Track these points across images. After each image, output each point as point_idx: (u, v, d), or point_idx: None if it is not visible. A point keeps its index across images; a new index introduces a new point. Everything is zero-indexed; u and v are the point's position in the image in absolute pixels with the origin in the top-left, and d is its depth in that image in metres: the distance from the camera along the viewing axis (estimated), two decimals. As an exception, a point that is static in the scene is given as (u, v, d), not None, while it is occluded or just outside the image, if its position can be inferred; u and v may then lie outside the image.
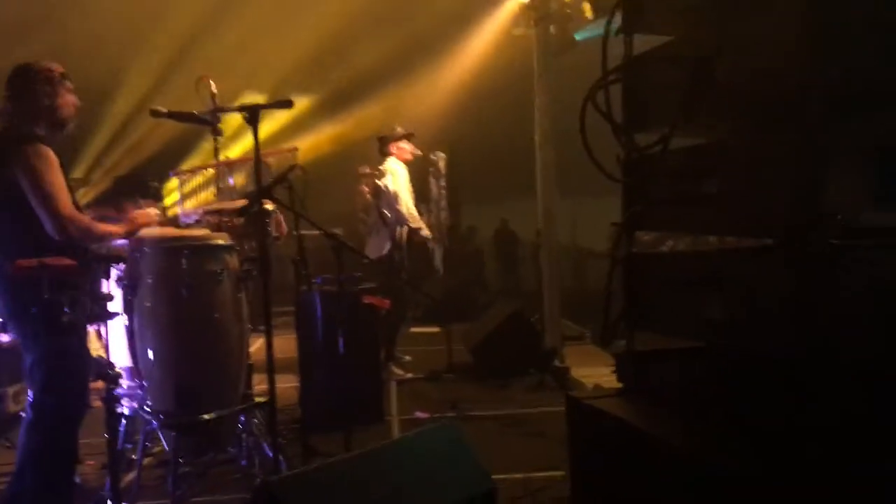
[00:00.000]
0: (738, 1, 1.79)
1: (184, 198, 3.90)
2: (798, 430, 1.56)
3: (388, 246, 6.33)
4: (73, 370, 3.11)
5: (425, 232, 6.39)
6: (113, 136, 8.65)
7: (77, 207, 3.20)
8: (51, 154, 3.11)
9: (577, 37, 7.04)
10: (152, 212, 3.53)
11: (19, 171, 3.04)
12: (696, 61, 1.87)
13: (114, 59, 7.35)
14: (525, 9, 6.94)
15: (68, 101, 3.28)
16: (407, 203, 6.31)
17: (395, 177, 6.32)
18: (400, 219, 6.29)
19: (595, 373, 5.76)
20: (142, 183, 8.03)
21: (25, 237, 3.07)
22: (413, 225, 6.32)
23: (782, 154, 1.69)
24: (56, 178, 3.10)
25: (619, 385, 2.27)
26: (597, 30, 7.10)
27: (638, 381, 2.15)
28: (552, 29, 6.64)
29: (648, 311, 2.19)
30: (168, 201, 4.42)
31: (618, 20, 2.19)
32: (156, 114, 3.64)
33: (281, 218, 4.15)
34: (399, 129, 6.48)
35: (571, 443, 2.14)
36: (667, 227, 2.20)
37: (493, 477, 2.90)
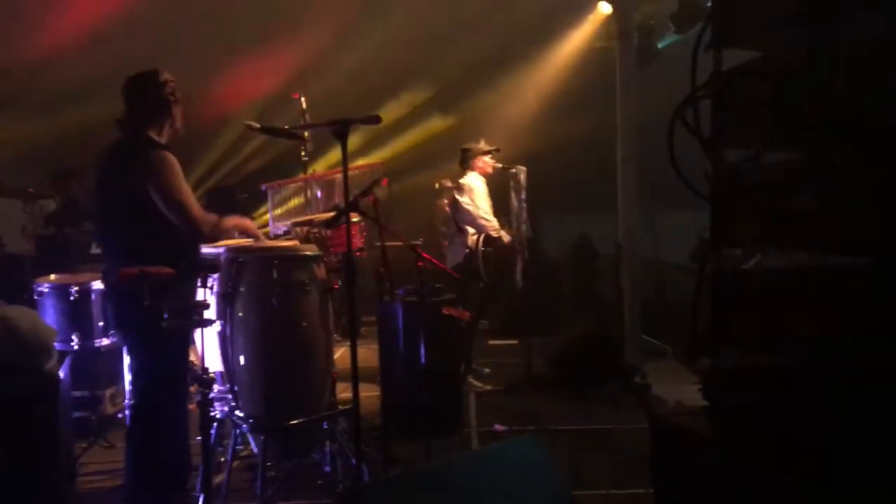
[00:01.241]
0: (835, 14, 1.76)
1: (274, 209, 4.04)
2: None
3: (463, 254, 6.39)
4: (173, 375, 3.26)
5: (507, 239, 6.41)
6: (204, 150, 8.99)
7: None
8: (175, 160, 3.24)
9: (661, 44, 6.98)
10: (248, 221, 3.66)
11: (148, 178, 3.16)
12: (789, 77, 1.84)
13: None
14: (608, 21, 6.92)
15: (179, 110, 3.42)
16: (486, 215, 6.35)
17: (475, 191, 6.38)
18: (479, 229, 6.34)
19: (676, 389, 5.65)
20: (232, 195, 8.36)
21: (133, 245, 3.23)
22: (493, 232, 6.36)
23: (882, 171, 1.65)
24: (184, 184, 3.24)
25: (704, 403, 2.24)
26: (681, 37, 7.01)
27: (726, 399, 2.12)
28: (635, 41, 6.59)
29: (737, 327, 2.16)
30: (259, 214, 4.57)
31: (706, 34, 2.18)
32: (250, 128, 3.79)
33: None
34: (483, 144, 6.53)
35: (655, 462, 2.11)
36: (757, 243, 2.16)
37: (574, 493, 2.90)
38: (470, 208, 6.34)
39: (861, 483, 1.52)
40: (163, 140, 3.36)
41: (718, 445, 1.80)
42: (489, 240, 6.37)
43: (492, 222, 6.38)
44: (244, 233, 3.64)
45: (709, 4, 2.23)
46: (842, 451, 1.63)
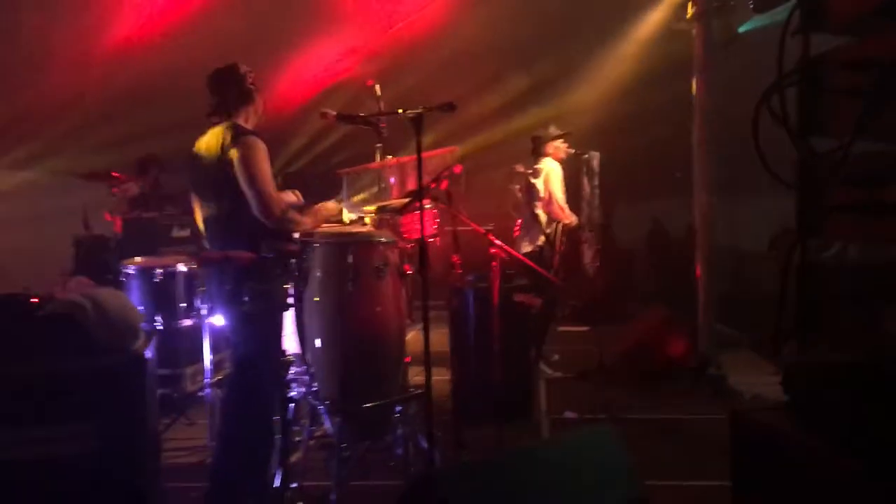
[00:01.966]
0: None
1: (349, 195, 4.10)
2: None
3: (538, 243, 6.35)
4: (259, 354, 3.35)
5: (576, 222, 6.37)
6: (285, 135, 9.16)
7: None
8: (263, 145, 3.39)
9: (741, 29, 6.76)
10: (332, 205, 3.73)
11: (237, 160, 3.30)
12: (883, 66, 1.77)
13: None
14: (687, 2, 6.73)
15: (261, 98, 3.60)
16: (559, 201, 6.31)
17: (552, 176, 6.32)
18: (554, 217, 6.30)
19: (752, 381, 5.53)
20: (307, 180, 8.51)
21: (231, 228, 3.36)
22: (567, 221, 6.32)
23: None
24: (266, 166, 3.36)
25: (783, 397, 2.18)
26: (761, 21, 6.79)
27: (808, 395, 2.06)
28: (714, 23, 6.40)
29: (822, 321, 2.10)
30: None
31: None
32: (325, 116, 3.85)
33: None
34: (553, 129, 6.47)
35: (736, 458, 2.08)
36: (845, 235, 2.09)
37: (647, 483, 2.87)
38: (546, 190, 6.29)
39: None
40: (250, 127, 3.50)
41: (803, 444, 1.75)
42: (563, 228, 6.33)
43: (565, 210, 6.33)
44: (328, 222, 3.71)
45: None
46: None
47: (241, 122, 3.49)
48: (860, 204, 1.95)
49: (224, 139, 3.37)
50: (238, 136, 3.36)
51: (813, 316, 2.12)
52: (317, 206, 3.66)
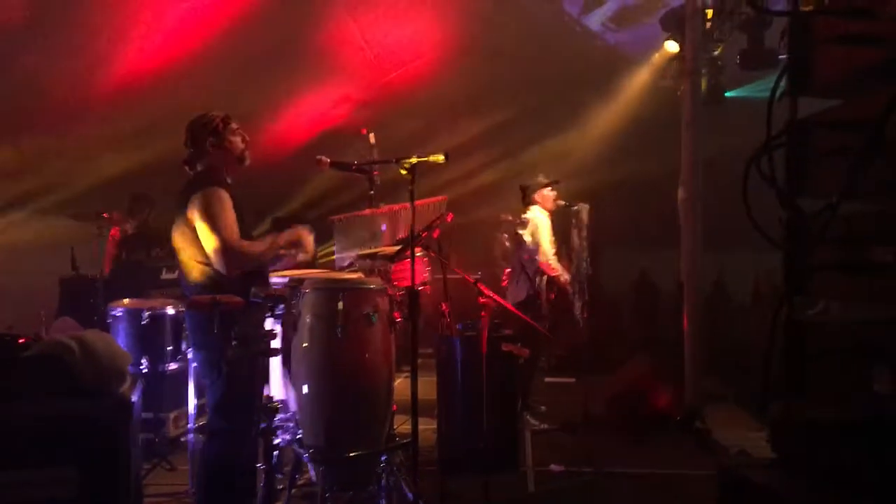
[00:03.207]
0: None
1: (340, 241, 4.12)
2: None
3: (526, 293, 6.36)
4: (240, 400, 3.34)
5: (565, 278, 6.38)
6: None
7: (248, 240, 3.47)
8: (223, 194, 3.40)
9: (728, 94, 6.93)
10: (302, 231, 3.71)
11: (194, 211, 3.34)
12: (869, 126, 1.82)
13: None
14: (674, 60, 6.89)
15: (234, 142, 3.58)
16: (547, 253, 6.33)
17: (539, 226, 6.35)
18: (541, 269, 6.32)
19: (737, 436, 5.52)
20: (297, 224, 8.51)
21: (203, 277, 3.36)
22: (553, 274, 6.34)
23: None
24: (225, 215, 3.35)
25: (768, 454, 2.19)
26: (747, 91, 6.98)
27: (797, 453, 2.07)
28: (702, 82, 6.55)
29: (810, 379, 2.12)
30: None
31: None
32: (320, 163, 3.89)
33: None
34: (542, 178, 6.53)
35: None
36: (833, 293, 2.12)
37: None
38: (533, 241, 6.32)
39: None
40: (228, 174, 3.53)
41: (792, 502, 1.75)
42: (550, 279, 6.34)
43: (552, 262, 6.34)
44: (296, 245, 3.67)
45: (780, 55, 2.22)
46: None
47: (212, 170, 3.50)
48: (846, 263, 1.99)
49: (188, 189, 3.41)
50: (196, 186, 3.39)
51: (799, 373, 2.14)
52: (285, 236, 3.63)
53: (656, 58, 7.17)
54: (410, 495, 3.66)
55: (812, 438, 2.00)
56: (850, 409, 2.04)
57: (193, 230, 3.35)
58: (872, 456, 1.84)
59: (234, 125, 3.61)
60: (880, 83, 1.88)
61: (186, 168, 3.57)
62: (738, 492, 1.97)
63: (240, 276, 3.34)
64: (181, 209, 3.40)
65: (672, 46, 6.92)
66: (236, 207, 3.45)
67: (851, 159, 1.86)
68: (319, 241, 4.01)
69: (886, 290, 1.88)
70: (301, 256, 3.71)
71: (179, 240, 3.47)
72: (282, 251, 3.61)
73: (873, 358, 1.90)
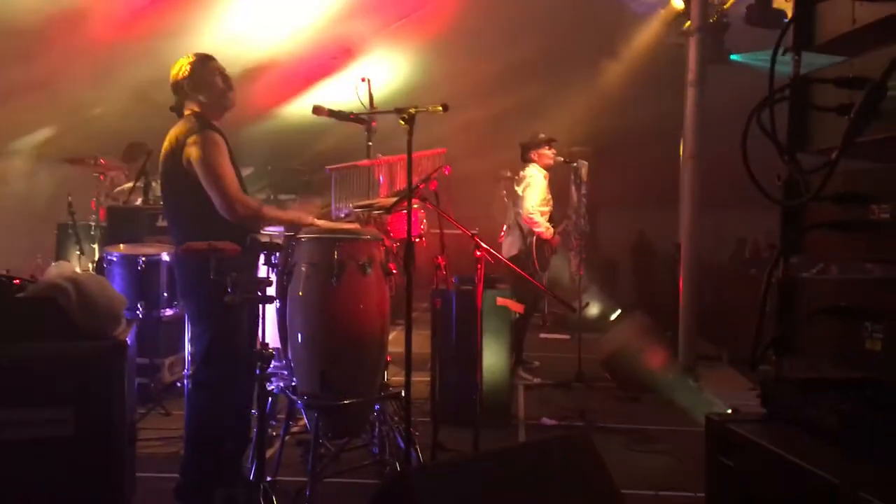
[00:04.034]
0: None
1: (338, 192, 4.09)
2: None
3: (518, 249, 6.36)
4: (233, 347, 3.35)
5: (548, 233, 6.31)
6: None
7: (245, 192, 3.45)
8: (219, 138, 3.37)
9: (732, 57, 6.84)
10: (315, 207, 3.72)
11: (192, 156, 3.29)
12: (872, 84, 1.79)
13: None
14: (680, 17, 6.79)
15: (213, 82, 3.49)
16: (529, 208, 6.25)
17: (533, 184, 6.32)
18: (529, 224, 6.29)
19: (730, 395, 5.57)
20: (295, 176, 8.49)
21: (200, 221, 3.35)
22: (536, 230, 6.27)
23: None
24: (224, 161, 3.34)
25: (760, 410, 2.21)
26: (753, 57, 6.89)
27: (786, 409, 2.08)
28: (708, 39, 6.46)
29: (801, 337, 2.13)
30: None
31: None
32: (318, 111, 3.85)
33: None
34: (541, 136, 6.48)
35: (710, 466, 2.10)
36: (828, 252, 2.12)
37: (622, 492, 2.89)
38: (524, 202, 6.29)
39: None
40: (213, 120, 3.47)
41: (777, 455, 1.77)
42: (540, 239, 6.31)
43: (540, 222, 6.30)
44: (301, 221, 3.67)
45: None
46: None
47: (203, 116, 3.44)
48: (842, 222, 1.98)
49: (180, 132, 3.37)
50: (194, 130, 3.34)
51: (791, 332, 2.14)
52: (292, 215, 3.64)
53: (662, 14, 7.04)
54: (402, 444, 3.69)
55: (800, 395, 2.02)
56: (839, 367, 2.05)
57: (187, 176, 3.32)
58: (858, 412, 1.85)
59: (214, 65, 3.52)
60: (885, 40, 1.86)
61: (177, 113, 3.52)
62: (723, 443, 1.99)
63: (235, 224, 3.33)
64: (174, 154, 3.36)
65: (678, 3, 6.81)
66: (230, 155, 3.42)
67: (852, 115, 1.84)
68: (316, 191, 3.99)
69: (883, 248, 1.88)
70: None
71: (170, 184, 3.46)
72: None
73: (865, 316, 1.90)
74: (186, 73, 3.44)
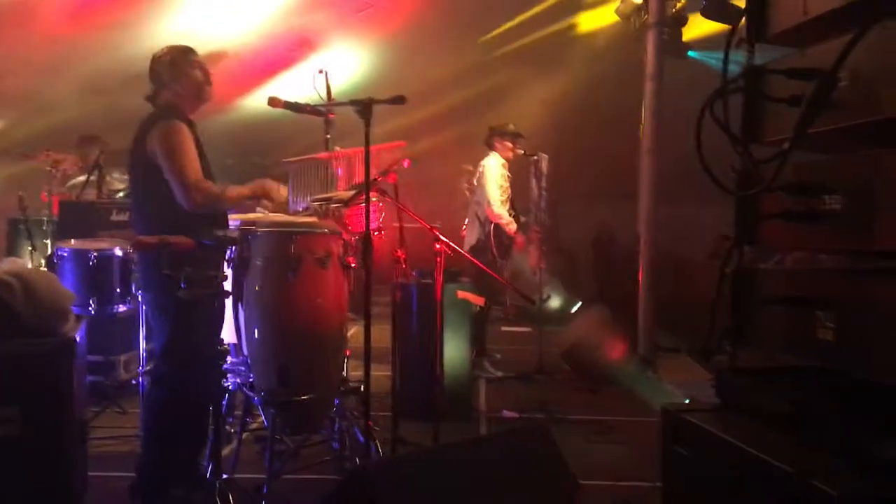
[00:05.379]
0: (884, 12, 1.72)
1: (293, 185, 4.03)
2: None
3: (476, 238, 6.35)
4: (191, 343, 3.28)
5: (511, 228, 6.32)
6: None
7: (211, 179, 3.40)
8: (183, 127, 3.33)
9: (690, 54, 6.91)
10: (270, 184, 3.68)
11: (155, 145, 3.27)
12: (822, 75, 1.81)
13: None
14: (639, 10, 6.82)
15: (192, 75, 3.49)
16: (490, 199, 6.24)
17: (488, 173, 6.28)
18: (486, 215, 6.28)
19: (688, 385, 5.63)
20: (251, 163, 8.38)
21: (157, 215, 3.30)
22: (495, 221, 6.26)
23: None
24: (185, 150, 3.30)
25: (716, 400, 2.23)
26: (709, 58, 6.96)
27: (740, 398, 2.10)
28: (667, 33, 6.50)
29: (755, 327, 2.15)
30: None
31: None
32: (274, 103, 3.79)
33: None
34: (511, 126, 6.45)
35: (665, 456, 2.11)
36: (781, 242, 2.14)
37: (580, 482, 2.91)
38: (484, 193, 6.27)
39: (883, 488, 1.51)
40: (184, 111, 3.45)
41: (731, 444, 1.78)
42: (498, 227, 6.30)
43: (503, 214, 6.29)
44: (265, 197, 3.64)
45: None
46: (856, 455, 1.62)
47: (170, 105, 3.43)
48: (795, 213, 1.99)
49: (148, 121, 3.36)
50: (160, 118, 3.34)
51: (746, 322, 2.16)
52: (251, 187, 3.60)
53: (620, 7, 7.06)
54: (362, 439, 3.67)
55: (753, 384, 2.03)
56: (793, 357, 2.07)
57: (150, 165, 3.28)
58: (809, 400, 1.88)
59: (194, 58, 3.52)
60: (836, 32, 1.87)
61: (151, 103, 3.49)
62: (678, 432, 2.00)
63: (197, 217, 3.28)
64: (139, 143, 3.33)
65: (636, -5, 6.84)
66: (197, 145, 3.38)
67: (804, 106, 1.86)
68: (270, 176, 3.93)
69: (834, 238, 1.90)
70: (269, 206, 3.72)
71: (135, 175, 3.43)
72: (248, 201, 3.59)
73: (817, 306, 1.91)
74: (167, 63, 3.45)
